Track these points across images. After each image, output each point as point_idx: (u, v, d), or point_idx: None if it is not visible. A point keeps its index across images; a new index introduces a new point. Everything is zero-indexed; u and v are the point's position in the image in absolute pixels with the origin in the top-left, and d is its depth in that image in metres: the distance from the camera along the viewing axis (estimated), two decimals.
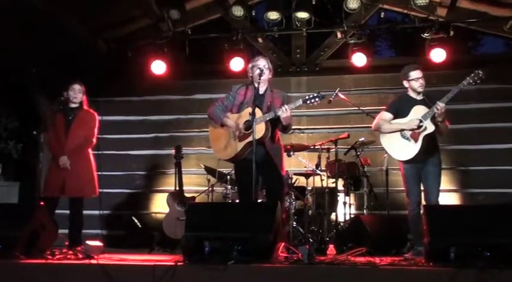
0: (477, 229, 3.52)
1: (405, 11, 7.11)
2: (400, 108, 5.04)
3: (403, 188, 5.08)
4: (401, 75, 5.12)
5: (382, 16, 7.47)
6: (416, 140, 4.85)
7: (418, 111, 4.91)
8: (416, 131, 4.85)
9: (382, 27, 9.76)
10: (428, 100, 4.94)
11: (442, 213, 3.87)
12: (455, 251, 3.41)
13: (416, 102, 4.99)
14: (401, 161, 5.01)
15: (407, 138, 4.90)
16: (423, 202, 4.97)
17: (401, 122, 4.97)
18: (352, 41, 7.18)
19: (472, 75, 4.75)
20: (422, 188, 5.03)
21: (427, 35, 6.91)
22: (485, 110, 7.30)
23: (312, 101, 4.64)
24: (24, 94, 7.72)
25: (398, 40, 13.62)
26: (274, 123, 4.73)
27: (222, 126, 4.85)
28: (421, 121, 4.85)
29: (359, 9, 6.88)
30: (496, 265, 3.21)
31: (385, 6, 7.43)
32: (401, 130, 4.95)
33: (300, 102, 4.62)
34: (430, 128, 4.83)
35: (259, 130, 4.58)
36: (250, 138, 4.54)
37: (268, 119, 4.62)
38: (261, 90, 4.81)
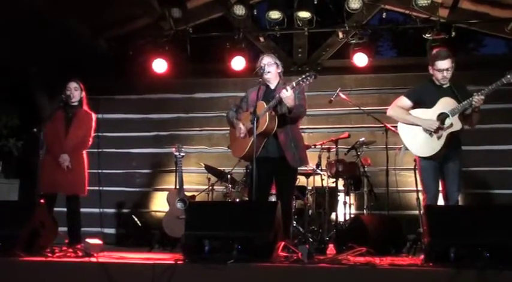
0: (477, 230, 3.51)
1: (407, 12, 7.12)
2: (423, 97, 4.62)
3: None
4: (429, 60, 4.67)
5: (383, 16, 7.45)
6: (439, 137, 4.45)
7: (445, 104, 4.48)
8: (441, 126, 4.44)
9: (384, 28, 9.75)
10: (456, 90, 4.54)
11: (442, 213, 3.86)
12: (455, 251, 3.39)
13: (442, 92, 4.55)
14: (418, 156, 4.64)
15: (430, 133, 4.49)
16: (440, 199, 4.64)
17: (420, 117, 4.56)
18: (354, 41, 7.18)
19: None
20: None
21: (428, 35, 6.91)
22: (486, 111, 7.20)
23: (305, 80, 4.53)
24: (24, 92, 7.73)
25: (399, 40, 13.62)
26: (284, 114, 4.69)
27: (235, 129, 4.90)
28: (447, 116, 4.44)
29: (361, 9, 6.88)
30: (496, 266, 3.20)
31: (387, 7, 7.42)
32: (418, 125, 4.55)
33: (293, 84, 4.57)
34: (456, 125, 4.43)
35: (262, 123, 4.57)
36: (257, 132, 4.51)
37: (271, 107, 4.58)
38: (273, 86, 4.85)
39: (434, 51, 4.70)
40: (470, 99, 4.37)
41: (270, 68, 4.78)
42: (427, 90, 4.66)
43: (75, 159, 5.30)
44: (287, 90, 4.45)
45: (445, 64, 4.53)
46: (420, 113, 4.60)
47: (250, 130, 4.64)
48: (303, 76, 4.55)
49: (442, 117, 4.47)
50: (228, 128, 5.06)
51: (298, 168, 4.91)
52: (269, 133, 4.64)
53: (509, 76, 4.32)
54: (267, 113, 4.59)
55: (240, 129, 4.76)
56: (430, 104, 4.54)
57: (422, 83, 4.79)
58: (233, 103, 5.12)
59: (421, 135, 4.54)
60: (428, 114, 4.53)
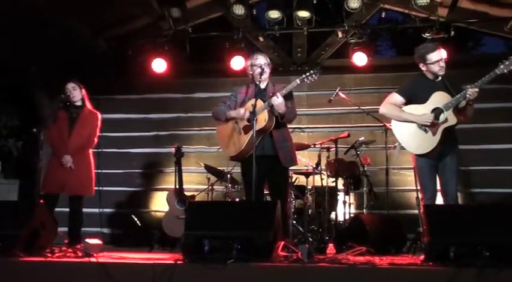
0: (477, 229, 3.51)
1: (406, 11, 7.11)
2: (416, 93, 4.50)
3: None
4: (417, 58, 4.52)
5: (383, 16, 7.46)
6: (434, 133, 4.32)
7: (439, 99, 4.35)
8: (436, 121, 4.32)
9: (383, 27, 9.75)
10: (449, 83, 4.43)
11: (442, 212, 3.86)
12: (455, 250, 3.39)
13: (435, 87, 4.44)
14: (414, 154, 4.51)
15: (425, 130, 4.37)
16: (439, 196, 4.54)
17: (413, 113, 4.43)
18: (353, 41, 7.19)
19: (507, 63, 4.23)
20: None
21: (427, 35, 6.91)
22: (485, 110, 7.25)
23: (309, 78, 4.58)
24: (24, 92, 7.73)
25: (399, 40, 13.64)
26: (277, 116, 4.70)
27: (227, 122, 4.87)
28: (441, 111, 4.32)
29: (360, 9, 6.87)
30: (496, 265, 3.20)
31: (386, 6, 7.43)
32: (412, 122, 4.43)
33: (298, 81, 4.59)
34: (451, 120, 4.30)
35: (261, 120, 4.58)
36: (256, 128, 4.49)
37: (269, 104, 4.59)
38: (263, 86, 4.86)
39: (420, 48, 4.56)
40: (464, 91, 4.26)
41: (267, 68, 4.83)
42: (420, 85, 4.54)
43: (80, 160, 5.31)
44: (278, 97, 4.49)
45: (437, 55, 4.46)
46: (413, 109, 4.48)
47: (247, 127, 4.66)
48: (307, 73, 4.58)
49: (436, 112, 4.36)
50: None
51: (297, 168, 4.93)
52: (267, 130, 4.67)
53: (502, 66, 4.23)
54: (266, 110, 4.61)
55: (240, 114, 4.73)
56: (423, 99, 4.44)
57: (415, 78, 4.66)
58: (220, 101, 5.09)
59: (416, 132, 4.42)
60: (422, 110, 4.41)
